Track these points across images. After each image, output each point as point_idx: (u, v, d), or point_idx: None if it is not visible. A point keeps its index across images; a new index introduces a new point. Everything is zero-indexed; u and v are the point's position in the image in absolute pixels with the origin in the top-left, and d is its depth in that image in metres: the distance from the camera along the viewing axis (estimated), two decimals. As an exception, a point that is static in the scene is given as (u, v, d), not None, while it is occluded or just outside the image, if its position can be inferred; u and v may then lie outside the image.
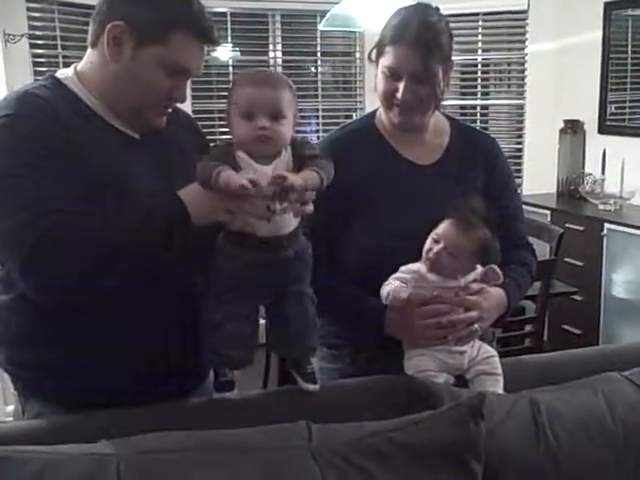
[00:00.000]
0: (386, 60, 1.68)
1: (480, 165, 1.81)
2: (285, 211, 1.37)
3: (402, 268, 1.62)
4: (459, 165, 1.80)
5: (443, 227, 1.61)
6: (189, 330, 1.50)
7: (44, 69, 3.90)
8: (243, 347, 1.49)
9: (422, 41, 1.64)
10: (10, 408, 3.24)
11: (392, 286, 1.58)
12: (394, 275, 1.61)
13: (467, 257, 1.61)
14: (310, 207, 1.38)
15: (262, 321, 1.55)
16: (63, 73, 1.49)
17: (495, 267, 1.64)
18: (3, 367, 1.55)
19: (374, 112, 1.85)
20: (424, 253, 1.61)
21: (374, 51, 1.74)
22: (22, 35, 3.71)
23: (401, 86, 1.67)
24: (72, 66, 1.50)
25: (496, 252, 1.64)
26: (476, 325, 1.61)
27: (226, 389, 1.53)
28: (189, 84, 1.60)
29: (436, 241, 1.60)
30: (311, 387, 1.53)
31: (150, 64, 1.40)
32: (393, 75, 1.68)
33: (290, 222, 1.42)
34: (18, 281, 1.36)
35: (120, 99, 1.45)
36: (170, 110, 1.51)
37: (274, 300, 1.49)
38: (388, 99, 1.71)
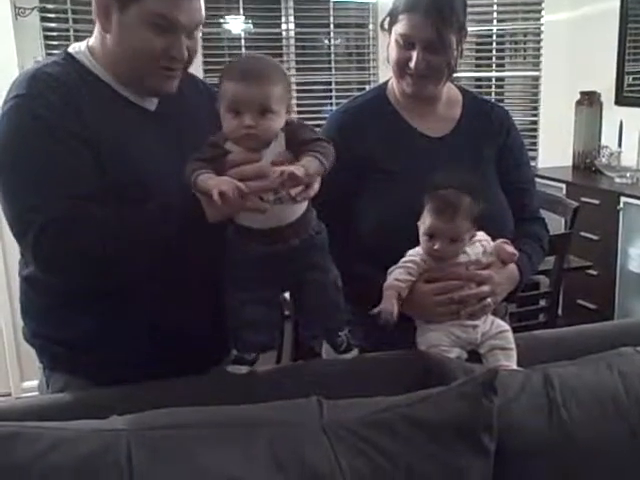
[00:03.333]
0: (400, 28, 1.66)
1: (492, 137, 1.80)
2: (282, 201, 1.35)
3: (405, 258, 1.61)
4: (471, 137, 1.78)
5: (429, 221, 1.58)
6: (213, 304, 1.51)
7: (55, 42, 3.88)
8: (264, 332, 1.49)
9: (436, 9, 1.62)
10: (27, 384, 3.29)
11: (382, 305, 1.55)
12: (399, 265, 1.60)
13: (466, 233, 1.59)
14: (311, 191, 1.35)
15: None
16: (76, 47, 1.49)
17: (508, 244, 1.62)
18: (29, 341, 1.58)
19: (385, 83, 1.83)
20: (426, 253, 1.60)
21: (387, 19, 1.71)
22: (33, 8, 3.69)
23: (414, 55, 1.65)
24: (85, 40, 1.50)
25: (483, 208, 1.60)
26: (488, 299, 1.59)
27: (241, 363, 1.51)
28: (200, 57, 1.58)
29: (431, 236, 1.58)
30: (347, 356, 1.55)
31: (135, 25, 1.38)
32: (406, 43, 1.66)
33: (291, 211, 1.40)
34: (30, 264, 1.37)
35: (122, 68, 1.44)
36: (180, 73, 1.47)
37: (294, 286, 1.50)
38: (401, 68, 1.69)
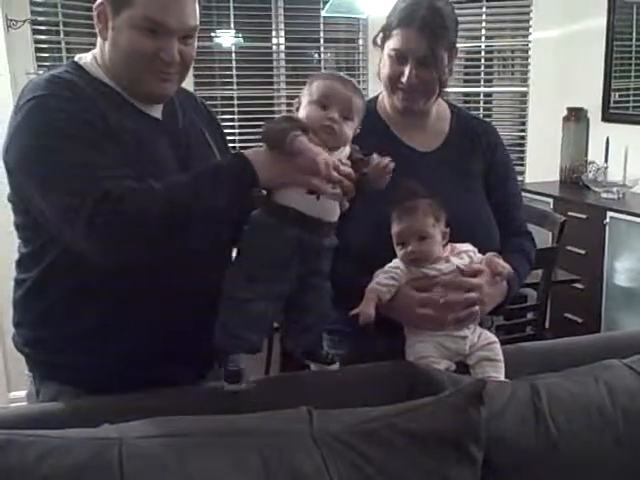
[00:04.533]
0: (393, 43, 1.68)
1: (479, 153, 1.82)
2: (335, 197, 1.42)
3: (391, 263, 1.63)
4: (459, 152, 1.80)
5: (394, 228, 1.62)
6: (206, 316, 1.51)
7: (46, 55, 3.89)
8: (262, 330, 1.48)
9: (430, 26, 1.64)
10: (14, 394, 3.27)
11: (361, 307, 1.56)
12: (384, 269, 1.62)
13: (432, 228, 1.61)
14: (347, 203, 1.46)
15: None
16: (83, 58, 1.51)
17: (499, 258, 1.64)
18: (20, 349, 1.57)
19: (375, 98, 1.85)
20: (403, 261, 1.62)
21: (380, 35, 1.73)
22: (24, 21, 3.70)
23: (407, 70, 1.67)
24: (90, 52, 1.52)
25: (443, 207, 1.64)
26: (476, 307, 1.61)
27: (235, 380, 1.47)
28: (191, 70, 1.60)
29: (403, 244, 1.61)
30: (333, 367, 1.57)
31: (126, 29, 1.40)
32: (399, 58, 1.68)
33: (335, 211, 1.46)
34: (83, 249, 1.34)
35: (119, 73, 1.46)
36: (175, 77, 1.48)
37: (296, 290, 1.49)
38: (393, 82, 1.71)
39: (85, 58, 1.51)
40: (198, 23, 1.46)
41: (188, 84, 1.94)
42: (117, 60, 1.44)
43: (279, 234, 1.42)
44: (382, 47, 1.73)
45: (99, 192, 1.28)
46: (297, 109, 1.48)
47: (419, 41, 1.65)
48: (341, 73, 1.55)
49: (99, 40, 1.47)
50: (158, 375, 1.45)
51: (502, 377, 1.61)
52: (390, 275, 1.61)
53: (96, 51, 1.50)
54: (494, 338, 1.66)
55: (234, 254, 1.56)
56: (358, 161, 1.47)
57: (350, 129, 1.45)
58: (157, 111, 1.53)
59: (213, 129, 1.67)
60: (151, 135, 1.48)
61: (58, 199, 1.32)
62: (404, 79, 1.68)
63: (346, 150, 1.47)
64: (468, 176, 1.78)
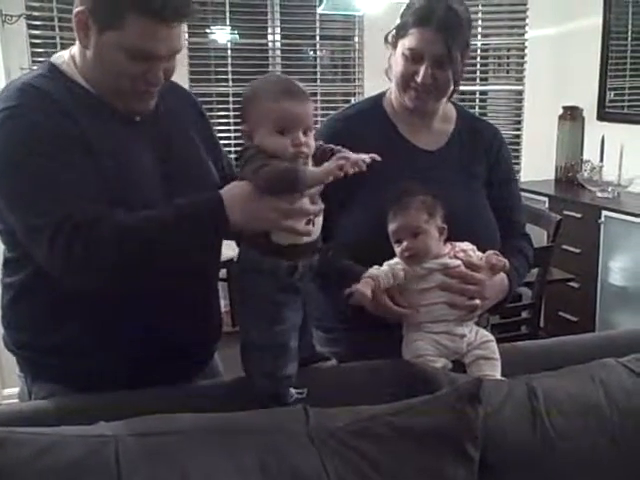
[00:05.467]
0: (409, 42, 1.67)
1: (483, 155, 1.82)
2: (321, 210, 1.40)
3: (396, 259, 1.62)
4: (462, 153, 1.80)
5: (390, 225, 1.62)
6: (197, 313, 1.51)
7: (41, 50, 3.88)
8: (294, 360, 1.45)
9: (447, 26, 1.65)
10: (8, 391, 3.25)
11: (359, 286, 1.54)
12: (388, 263, 1.61)
13: (425, 224, 1.60)
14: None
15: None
16: (59, 57, 1.48)
17: (498, 255, 1.64)
18: (10, 349, 1.56)
19: (382, 94, 1.85)
20: (400, 258, 1.61)
21: (392, 33, 1.73)
22: (19, 16, 3.69)
23: (422, 69, 1.67)
24: (68, 49, 1.49)
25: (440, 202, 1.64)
26: (477, 300, 1.61)
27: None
28: (186, 67, 1.58)
29: (398, 240, 1.61)
30: (330, 363, 1.59)
31: (112, 50, 1.36)
32: (414, 57, 1.67)
33: (320, 222, 1.43)
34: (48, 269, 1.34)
35: (100, 84, 1.43)
36: (156, 93, 1.45)
37: None
38: (406, 81, 1.71)
39: (62, 58, 1.47)
40: (182, 43, 1.44)
41: (183, 80, 1.93)
42: (100, 75, 1.41)
43: (279, 271, 1.39)
44: (394, 45, 1.73)
45: (63, 215, 1.27)
46: (249, 137, 1.40)
47: (436, 41, 1.65)
48: (279, 75, 1.51)
49: (78, 45, 1.42)
50: (146, 377, 1.44)
51: (499, 375, 1.61)
52: (392, 272, 1.60)
53: (75, 53, 1.45)
54: (491, 337, 1.67)
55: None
56: (322, 152, 1.41)
57: (312, 139, 1.39)
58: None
59: (201, 126, 1.64)
60: (129, 138, 1.45)
61: (22, 217, 1.33)
62: (419, 78, 1.67)
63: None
64: (470, 176, 1.79)
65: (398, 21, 1.73)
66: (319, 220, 1.42)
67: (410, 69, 1.68)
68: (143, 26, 1.33)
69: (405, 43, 1.68)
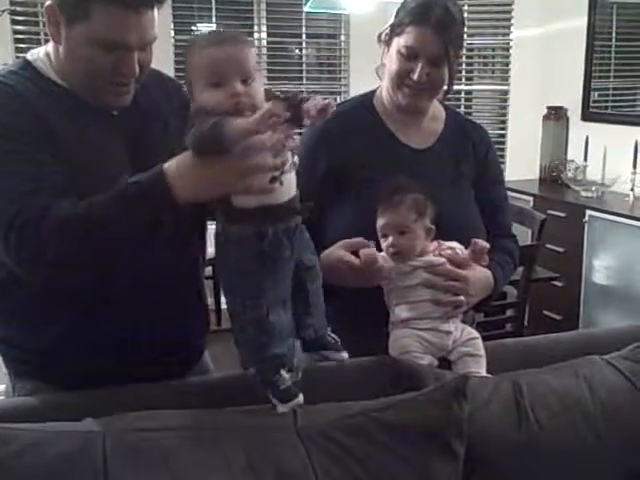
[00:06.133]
0: (405, 40, 1.67)
1: (471, 155, 1.84)
2: (292, 168, 1.28)
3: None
4: (451, 152, 1.82)
5: (380, 222, 1.62)
6: (182, 311, 1.50)
7: (25, 45, 3.86)
8: (287, 339, 1.36)
9: (444, 26, 1.66)
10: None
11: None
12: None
13: (413, 224, 1.61)
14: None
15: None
16: (35, 54, 1.45)
17: (480, 241, 1.64)
18: None
19: (373, 92, 1.85)
20: (386, 253, 1.62)
21: (387, 31, 1.74)
22: (3, 11, 3.67)
23: (418, 67, 1.67)
24: (44, 46, 1.46)
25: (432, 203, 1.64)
26: (461, 297, 1.62)
27: (288, 398, 1.36)
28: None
29: (385, 235, 1.62)
30: (343, 355, 1.50)
31: (82, 42, 1.33)
32: (410, 55, 1.68)
33: (294, 179, 1.31)
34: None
35: (74, 79, 1.40)
36: (133, 87, 1.42)
37: (295, 277, 1.38)
38: (401, 79, 1.71)
39: (37, 54, 1.45)
40: (157, 32, 1.39)
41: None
42: (74, 71, 1.38)
43: (259, 238, 1.28)
44: (388, 43, 1.73)
45: (14, 213, 1.26)
46: (190, 94, 1.30)
47: (433, 40, 1.65)
48: (220, 30, 1.43)
49: (52, 42, 1.40)
50: (133, 377, 1.43)
51: (484, 372, 1.62)
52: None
53: (49, 49, 1.43)
54: (476, 334, 1.67)
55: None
56: (285, 100, 1.26)
57: (259, 84, 1.26)
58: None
59: (185, 113, 1.61)
60: (102, 133, 1.43)
61: None
62: (415, 76, 1.68)
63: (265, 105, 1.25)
64: (459, 176, 1.80)
65: (391, 20, 1.74)
66: (289, 177, 1.28)
67: (405, 67, 1.69)
68: (110, 15, 1.30)
69: (401, 41, 1.68)
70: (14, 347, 1.51)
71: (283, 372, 1.36)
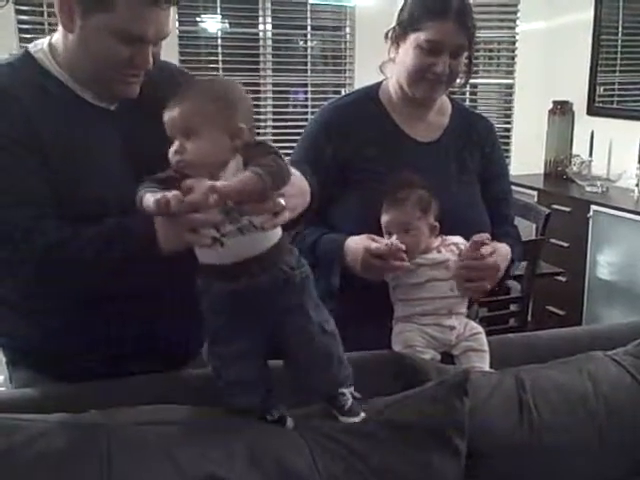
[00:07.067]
0: (427, 34, 1.66)
1: (477, 148, 1.83)
2: (242, 231, 1.22)
3: None
4: (457, 145, 1.81)
5: (384, 218, 1.62)
6: (179, 307, 1.49)
7: (30, 36, 3.85)
8: (251, 393, 1.34)
9: (464, 15, 1.66)
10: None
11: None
12: None
13: (417, 221, 1.60)
14: (280, 219, 1.24)
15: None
16: (37, 45, 1.43)
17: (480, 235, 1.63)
18: None
19: (378, 84, 1.85)
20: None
21: (397, 28, 1.72)
22: (8, 1, 3.65)
23: (440, 60, 1.67)
24: (48, 37, 1.44)
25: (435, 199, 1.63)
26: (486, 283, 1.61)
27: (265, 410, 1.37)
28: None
29: (389, 233, 1.61)
30: (351, 420, 1.37)
31: (99, 33, 1.32)
32: (433, 49, 1.67)
33: (255, 243, 1.25)
34: None
35: (83, 71, 1.39)
36: (142, 78, 1.41)
37: (272, 337, 1.32)
38: (421, 73, 1.70)
39: (40, 46, 1.43)
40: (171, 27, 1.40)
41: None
42: (83, 59, 1.37)
43: (210, 291, 1.28)
44: (402, 39, 1.72)
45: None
46: None
47: (456, 32, 1.65)
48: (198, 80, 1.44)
49: (61, 30, 1.38)
50: (126, 372, 1.43)
51: (487, 367, 1.62)
52: None
53: (56, 40, 1.41)
54: (480, 329, 1.67)
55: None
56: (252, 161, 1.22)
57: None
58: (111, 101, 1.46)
59: None
60: (97, 129, 1.41)
61: None
62: (438, 70, 1.67)
63: (236, 163, 1.24)
64: (464, 169, 1.79)
65: (398, 15, 1.72)
66: (235, 241, 1.23)
67: (426, 61, 1.68)
68: (134, 7, 1.30)
69: (421, 36, 1.66)
70: (11, 337, 1.51)
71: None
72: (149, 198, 1.18)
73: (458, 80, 1.77)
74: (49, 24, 3.97)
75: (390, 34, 1.74)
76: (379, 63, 1.82)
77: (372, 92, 1.83)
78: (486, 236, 1.61)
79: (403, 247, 1.55)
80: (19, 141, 1.31)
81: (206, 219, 1.19)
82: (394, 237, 1.59)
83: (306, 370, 1.35)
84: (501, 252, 1.66)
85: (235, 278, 1.25)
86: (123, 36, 1.32)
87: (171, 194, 1.15)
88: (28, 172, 1.31)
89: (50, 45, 1.41)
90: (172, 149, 1.23)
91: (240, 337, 1.30)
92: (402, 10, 1.73)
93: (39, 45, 1.43)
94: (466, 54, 1.72)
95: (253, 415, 1.35)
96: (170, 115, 1.24)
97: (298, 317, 1.31)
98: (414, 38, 1.68)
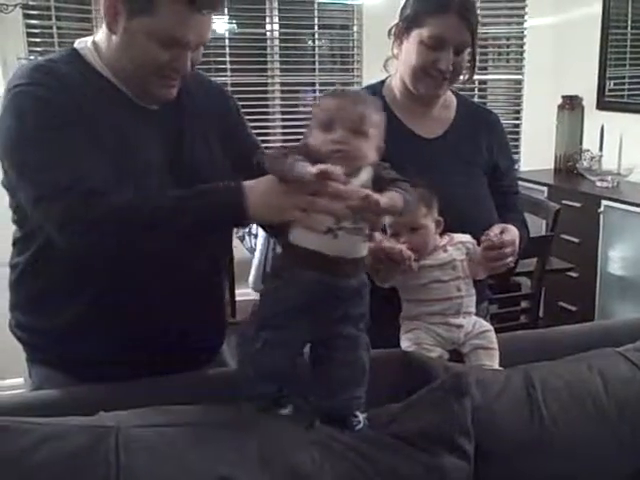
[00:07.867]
0: (430, 30, 1.67)
1: (483, 142, 1.83)
2: (358, 232, 1.28)
3: None
4: (462, 141, 1.81)
5: (388, 220, 1.57)
6: (198, 307, 1.50)
7: (38, 40, 3.86)
8: (281, 380, 1.35)
9: (466, 9, 1.67)
10: (9, 382, 3.25)
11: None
12: None
13: (426, 219, 1.60)
14: (377, 233, 1.37)
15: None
16: (82, 42, 1.48)
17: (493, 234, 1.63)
18: (13, 331, 1.58)
19: (382, 82, 1.85)
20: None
21: (400, 24, 1.72)
22: (16, 5, 3.66)
23: (444, 56, 1.67)
24: (92, 35, 1.49)
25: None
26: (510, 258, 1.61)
27: (280, 404, 1.38)
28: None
29: (395, 234, 1.60)
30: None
31: (141, 36, 1.36)
32: (436, 45, 1.67)
33: (359, 247, 1.31)
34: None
35: (124, 72, 1.43)
36: (180, 82, 1.44)
37: (323, 339, 1.35)
38: (425, 70, 1.70)
39: (85, 43, 1.47)
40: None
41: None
42: (125, 61, 1.41)
43: (294, 278, 1.29)
44: (405, 36, 1.72)
45: (70, 183, 1.29)
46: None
47: (459, 27, 1.66)
48: (351, 88, 1.49)
49: (105, 30, 1.42)
50: (148, 370, 1.44)
51: (496, 365, 1.62)
52: None
53: (99, 39, 1.45)
54: (489, 326, 1.67)
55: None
56: (383, 181, 1.31)
57: (368, 144, 1.30)
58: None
59: (228, 121, 1.60)
60: (140, 126, 1.45)
61: (29, 185, 1.34)
62: (442, 65, 1.67)
63: (367, 175, 1.30)
64: (470, 164, 1.79)
65: (401, 12, 1.72)
66: (348, 238, 1.27)
67: (430, 57, 1.68)
68: (176, 13, 1.34)
69: (424, 32, 1.67)
70: (30, 332, 1.54)
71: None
72: (306, 165, 1.22)
73: (461, 77, 1.76)
74: (58, 28, 3.97)
75: (393, 31, 1.74)
76: (384, 63, 1.82)
77: (375, 90, 1.83)
78: (494, 234, 1.61)
79: (413, 256, 1.55)
80: (72, 117, 1.35)
81: (340, 210, 1.23)
82: (402, 240, 1.58)
83: (339, 384, 1.36)
84: (510, 230, 1.64)
85: (333, 272, 1.28)
86: (164, 40, 1.35)
87: (338, 171, 1.21)
88: (83, 144, 1.34)
89: (94, 43, 1.46)
90: (333, 136, 1.27)
91: (295, 328, 1.31)
92: (405, 7, 1.73)
93: (83, 42, 1.48)
94: (469, 50, 1.71)
95: (265, 413, 1.35)
96: (340, 105, 1.30)
97: (353, 330, 1.35)
98: (417, 34, 1.68)
